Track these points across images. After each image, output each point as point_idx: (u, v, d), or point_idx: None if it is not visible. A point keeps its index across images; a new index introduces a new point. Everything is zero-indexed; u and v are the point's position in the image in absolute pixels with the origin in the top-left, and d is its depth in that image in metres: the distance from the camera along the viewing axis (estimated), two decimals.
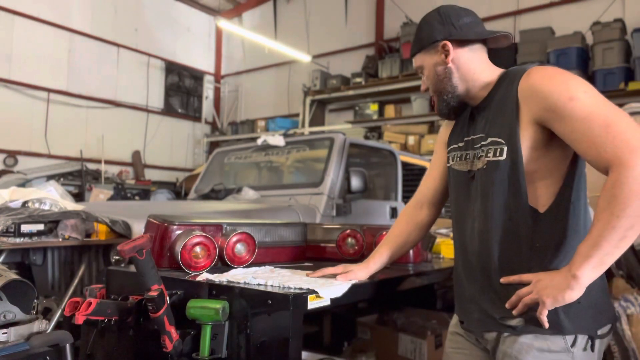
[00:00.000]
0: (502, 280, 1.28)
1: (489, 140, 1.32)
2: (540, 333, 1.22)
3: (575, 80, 1.20)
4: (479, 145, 1.35)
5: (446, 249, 2.47)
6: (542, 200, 1.26)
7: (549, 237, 1.26)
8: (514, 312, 1.23)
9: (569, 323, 1.21)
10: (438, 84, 1.42)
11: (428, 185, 1.66)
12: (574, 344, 1.22)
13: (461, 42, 1.38)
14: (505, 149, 1.27)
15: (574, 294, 1.14)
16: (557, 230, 1.26)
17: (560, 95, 1.18)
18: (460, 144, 1.46)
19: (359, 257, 2.12)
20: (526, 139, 1.25)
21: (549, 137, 1.24)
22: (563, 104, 1.17)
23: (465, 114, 1.48)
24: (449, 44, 1.38)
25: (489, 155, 1.31)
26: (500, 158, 1.28)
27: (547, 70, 1.25)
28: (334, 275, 1.61)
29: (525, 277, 1.24)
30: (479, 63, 1.40)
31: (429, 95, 1.50)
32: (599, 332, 1.25)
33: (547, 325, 1.18)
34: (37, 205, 2.47)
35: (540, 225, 1.26)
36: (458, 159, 1.45)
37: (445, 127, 1.62)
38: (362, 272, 1.61)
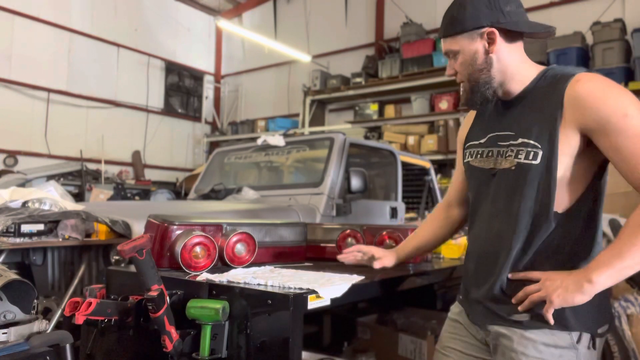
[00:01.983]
0: (509, 275, 1.29)
1: (520, 140, 1.29)
2: (547, 328, 1.23)
3: (628, 95, 1.20)
4: (507, 144, 1.32)
5: (446, 249, 2.47)
6: (563, 204, 1.27)
7: (563, 239, 1.28)
8: (520, 308, 1.25)
9: (575, 320, 1.23)
10: (475, 73, 1.33)
11: (454, 187, 1.69)
12: (579, 340, 1.23)
13: (507, 32, 1.31)
14: (541, 153, 1.24)
15: (584, 297, 1.16)
16: (572, 232, 1.28)
17: (615, 110, 1.17)
18: (482, 140, 1.41)
19: None
20: (565, 146, 1.23)
21: (585, 147, 1.24)
22: (617, 120, 1.16)
23: (489, 108, 1.43)
24: (496, 32, 1.30)
25: (519, 156, 1.28)
26: (533, 162, 1.25)
27: (599, 79, 1.22)
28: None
29: (532, 274, 1.26)
30: (519, 55, 1.35)
31: (458, 80, 1.38)
32: (599, 331, 1.27)
33: (552, 321, 1.20)
34: (37, 205, 2.47)
35: (557, 226, 1.27)
36: (479, 155, 1.40)
37: (464, 126, 1.57)
38: (390, 259, 1.73)
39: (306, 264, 2.08)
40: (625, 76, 6.75)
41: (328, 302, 1.44)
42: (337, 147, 3.63)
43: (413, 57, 8.77)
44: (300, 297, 1.35)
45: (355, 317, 2.91)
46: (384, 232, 2.12)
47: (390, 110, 9.16)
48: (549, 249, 1.28)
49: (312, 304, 1.39)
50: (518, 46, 1.35)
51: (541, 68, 1.36)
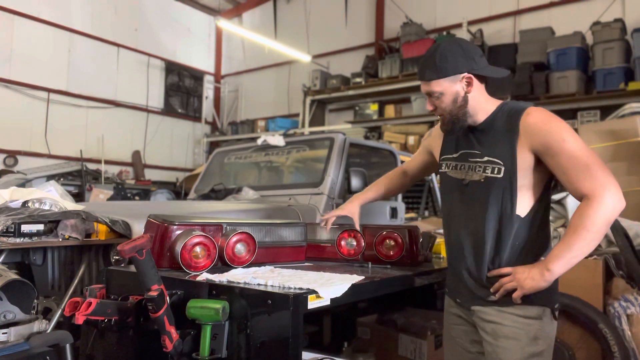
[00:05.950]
0: (488, 274, 1.62)
1: (485, 159, 1.63)
2: (518, 305, 1.57)
3: (565, 125, 1.56)
4: (475, 160, 1.66)
5: None
6: (523, 208, 1.60)
7: (525, 238, 1.61)
8: (497, 296, 1.59)
9: (536, 298, 1.57)
10: (454, 109, 1.64)
11: (414, 162, 2.15)
12: (544, 313, 1.58)
13: (478, 76, 1.64)
14: (503, 169, 1.58)
15: (546, 283, 1.52)
16: (531, 232, 1.61)
17: (556, 136, 1.52)
18: (455, 155, 1.74)
19: (359, 256, 2.13)
20: (521, 162, 1.57)
21: (537, 162, 1.58)
22: (557, 144, 1.52)
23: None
24: (472, 77, 1.62)
25: (486, 171, 1.62)
26: (497, 176, 1.59)
27: (543, 113, 1.58)
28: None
29: (504, 270, 1.60)
30: (484, 94, 1.68)
31: (438, 114, 1.73)
32: (555, 307, 1.62)
33: (520, 302, 1.55)
34: (37, 205, 2.47)
35: (520, 227, 1.60)
36: (453, 167, 1.74)
37: (436, 138, 1.91)
38: (350, 207, 2.10)
39: (306, 264, 2.08)
40: (625, 76, 6.75)
41: (328, 302, 1.44)
42: (337, 147, 3.63)
43: (413, 57, 8.76)
44: (300, 297, 1.36)
45: (355, 317, 2.91)
46: (384, 232, 2.12)
47: (390, 110, 9.16)
48: (514, 247, 1.60)
49: (312, 304, 1.39)
50: (483, 86, 1.68)
51: (497, 102, 1.69)
